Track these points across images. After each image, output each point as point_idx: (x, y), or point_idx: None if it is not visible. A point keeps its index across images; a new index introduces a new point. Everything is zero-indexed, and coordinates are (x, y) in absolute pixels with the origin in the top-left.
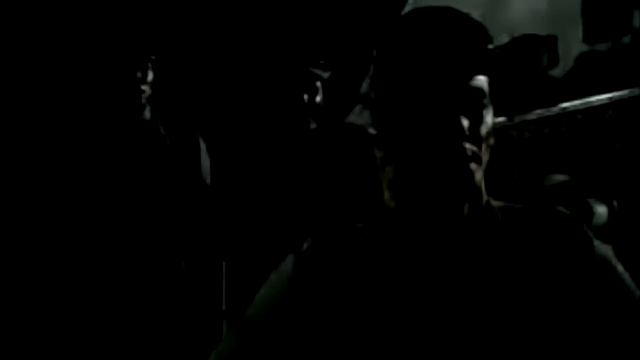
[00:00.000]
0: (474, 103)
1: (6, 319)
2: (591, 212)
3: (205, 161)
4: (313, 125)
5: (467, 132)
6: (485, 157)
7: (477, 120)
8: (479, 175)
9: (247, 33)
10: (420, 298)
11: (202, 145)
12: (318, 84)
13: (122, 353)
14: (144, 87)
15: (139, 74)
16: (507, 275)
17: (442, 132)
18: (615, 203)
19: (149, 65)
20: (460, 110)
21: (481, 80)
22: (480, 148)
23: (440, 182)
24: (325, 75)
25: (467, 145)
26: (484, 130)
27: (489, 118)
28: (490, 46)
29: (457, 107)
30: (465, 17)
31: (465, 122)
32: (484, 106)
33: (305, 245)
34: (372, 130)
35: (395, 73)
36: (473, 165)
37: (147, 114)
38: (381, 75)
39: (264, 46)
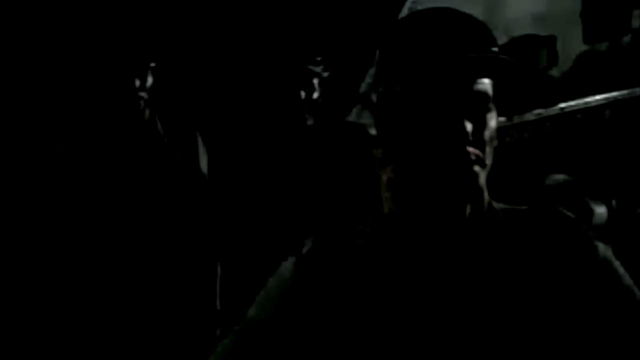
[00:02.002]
0: (478, 107)
1: (6, 319)
2: (590, 212)
3: (203, 160)
4: (310, 122)
5: (471, 137)
6: (488, 160)
7: (481, 124)
8: (482, 178)
9: (245, 31)
10: (422, 300)
11: (200, 144)
12: (315, 81)
13: (116, 351)
14: (142, 94)
15: (138, 82)
16: (509, 277)
17: (446, 136)
18: (614, 203)
19: (149, 72)
20: (464, 114)
21: (485, 83)
22: (483, 151)
23: (443, 185)
24: (325, 74)
25: (471, 149)
26: (487, 134)
27: (492, 122)
28: (495, 49)
29: (461, 111)
30: (470, 20)
31: (469, 126)
32: (488, 110)
33: (305, 248)
34: (372, 131)
35: (399, 76)
36: (477, 168)
37: (146, 113)
38: (384, 77)
39: (261, 44)
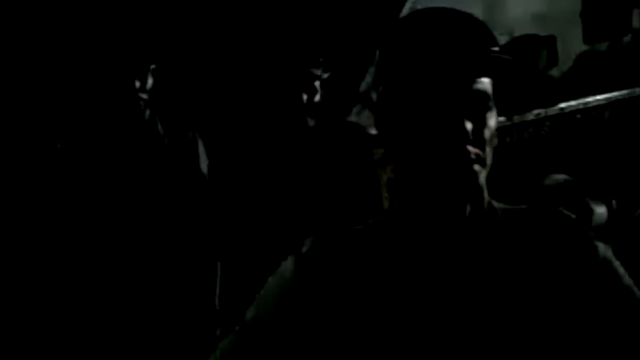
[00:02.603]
0: (478, 106)
1: (6, 319)
2: (590, 212)
3: (203, 161)
4: (311, 123)
5: (471, 136)
6: (488, 159)
7: (480, 123)
8: (482, 177)
9: (246, 32)
10: (422, 300)
11: (201, 145)
12: (317, 83)
13: (117, 351)
14: (142, 95)
15: (138, 83)
16: (508, 276)
17: (446, 135)
18: (614, 203)
19: (149, 73)
20: (464, 113)
21: (485, 83)
22: (483, 151)
23: (443, 184)
24: (325, 75)
25: (471, 148)
26: (487, 133)
27: (492, 121)
28: (495, 48)
29: (461, 110)
30: (470, 19)
31: (469, 125)
32: (488, 109)
33: (305, 247)
34: (372, 130)
35: (399, 75)
36: (477, 167)
37: (146, 114)
38: (385, 76)
39: (263, 46)
